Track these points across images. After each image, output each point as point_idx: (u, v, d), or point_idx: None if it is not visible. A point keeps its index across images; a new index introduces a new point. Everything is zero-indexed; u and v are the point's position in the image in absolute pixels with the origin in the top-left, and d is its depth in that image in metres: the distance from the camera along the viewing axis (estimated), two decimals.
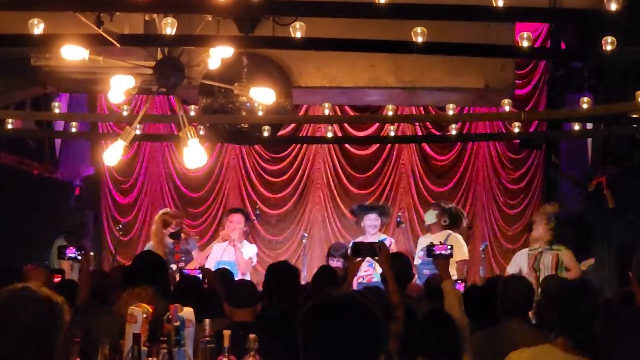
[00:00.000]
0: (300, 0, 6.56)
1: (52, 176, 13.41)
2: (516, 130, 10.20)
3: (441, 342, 5.43)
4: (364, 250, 6.93)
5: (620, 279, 10.73)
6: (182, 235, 10.70)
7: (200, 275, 8.65)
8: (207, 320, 5.15)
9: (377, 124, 13.88)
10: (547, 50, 11.17)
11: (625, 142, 11.89)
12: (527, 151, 13.71)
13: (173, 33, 6.74)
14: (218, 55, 7.11)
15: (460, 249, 10.43)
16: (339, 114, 13.33)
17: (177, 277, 9.25)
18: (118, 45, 6.80)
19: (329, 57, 10.66)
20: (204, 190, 14.43)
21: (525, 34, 6.95)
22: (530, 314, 6.81)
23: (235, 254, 10.50)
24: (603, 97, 11.27)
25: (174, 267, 9.84)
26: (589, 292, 5.06)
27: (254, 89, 7.45)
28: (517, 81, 11.81)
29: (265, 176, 14.48)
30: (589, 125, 11.22)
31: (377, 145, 14.44)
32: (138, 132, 9.12)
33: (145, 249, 11.03)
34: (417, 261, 10.58)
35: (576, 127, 10.34)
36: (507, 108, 9.62)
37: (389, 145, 14.26)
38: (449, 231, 10.71)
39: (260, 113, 9.74)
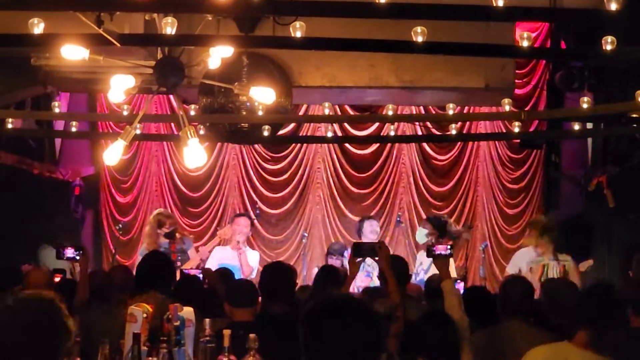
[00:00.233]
0: (300, 0, 6.56)
1: (52, 176, 13.41)
2: (516, 129, 10.20)
3: (441, 343, 5.43)
4: (364, 250, 6.94)
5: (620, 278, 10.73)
6: (177, 235, 10.71)
7: (201, 275, 8.65)
8: (207, 320, 5.15)
9: (377, 124, 13.89)
10: (547, 50, 11.16)
11: (625, 142, 11.88)
12: (527, 151, 13.70)
13: (173, 33, 6.74)
14: (218, 54, 7.10)
15: (452, 267, 10.41)
16: (339, 113, 13.33)
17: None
18: (118, 44, 6.80)
19: (329, 56, 10.67)
20: (204, 189, 14.42)
21: (525, 34, 6.95)
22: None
23: (239, 258, 10.49)
24: (603, 96, 11.26)
25: None
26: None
27: (254, 88, 7.45)
28: (517, 81, 11.80)
29: (265, 176, 14.48)
30: (589, 125, 11.21)
31: (377, 144, 14.44)
32: (138, 131, 9.10)
33: (140, 251, 11.04)
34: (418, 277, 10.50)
35: (576, 126, 10.33)
36: (507, 108, 9.61)
37: (389, 145, 14.26)
38: None
39: (260, 112, 9.73)
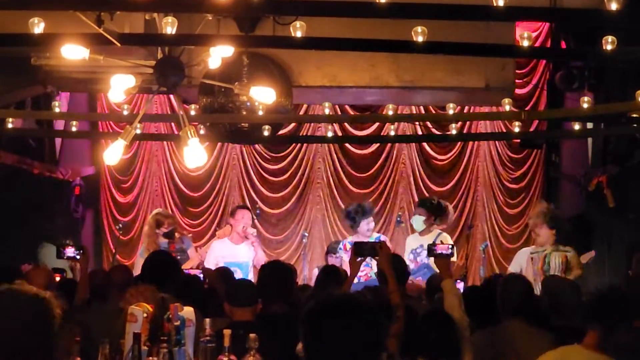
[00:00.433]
0: (301, 0, 6.57)
1: (52, 175, 13.41)
2: (516, 129, 10.20)
3: (441, 342, 5.43)
4: (365, 250, 6.93)
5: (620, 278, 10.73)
6: (176, 234, 10.71)
7: (201, 275, 8.65)
8: (208, 320, 5.15)
9: (378, 124, 13.88)
10: (548, 49, 11.16)
11: (625, 142, 11.88)
12: (528, 151, 13.70)
13: (173, 32, 6.75)
14: (218, 54, 7.11)
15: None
16: (339, 113, 13.34)
17: None
18: (118, 44, 6.80)
19: (329, 56, 10.66)
20: (204, 189, 14.42)
21: (525, 34, 6.96)
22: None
23: (255, 251, 10.46)
24: (603, 96, 11.26)
25: None
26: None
27: (254, 88, 7.46)
28: (517, 80, 11.81)
29: (266, 175, 14.48)
30: (589, 125, 11.22)
31: (377, 144, 14.43)
32: (138, 131, 9.11)
33: (139, 251, 11.03)
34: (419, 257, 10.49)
35: (576, 126, 10.33)
36: (507, 107, 9.62)
37: (389, 145, 14.25)
38: (439, 231, 10.64)
39: (260, 112, 9.74)
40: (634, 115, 9.55)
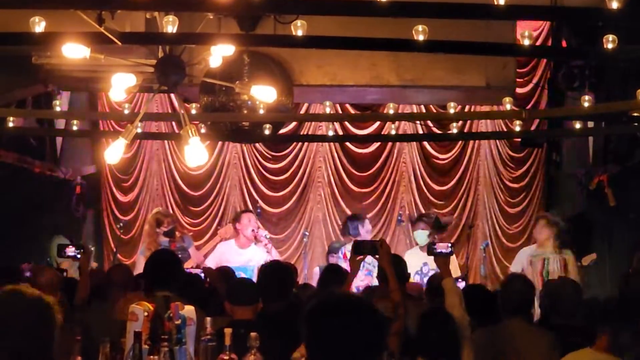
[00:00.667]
0: None
1: (53, 174, 13.41)
2: (517, 128, 10.20)
3: (441, 342, 5.43)
4: (365, 248, 6.94)
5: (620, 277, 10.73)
6: (177, 233, 10.71)
7: (202, 274, 8.65)
8: (208, 319, 5.15)
9: (378, 123, 13.87)
10: (548, 48, 11.15)
11: (626, 141, 11.87)
12: (528, 150, 13.69)
13: (174, 31, 6.74)
14: (219, 53, 7.11)
15: (455, 268, 10.42)
16: (340, 112, 13.33)
17: None
18: (119, 43, 6.80)
19: (330, 55, 10.67)
20: (205, 188, 14.42)
21: (526, 32, 6.96)
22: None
23: (270, 253, 10.48)
24: (604, 95, 11.25)
25: None
26: None
27: (255, 87, 7.46)
28: (518, 79, 11.79)
29: (266, 174, 14.47)
30: (590, 124, 11.21)
31: (378, 143, 14.42)
32: (139, 130, 9.11)
33: (140, 250, 11.04)
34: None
35: (577, 125, 10.32)
36: (508, 106, 9.61)
37: (390, 144, 14.24)
38: None
39: (261, 111, 9.73)
40: (635, 114, 9.53)
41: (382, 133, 13.58)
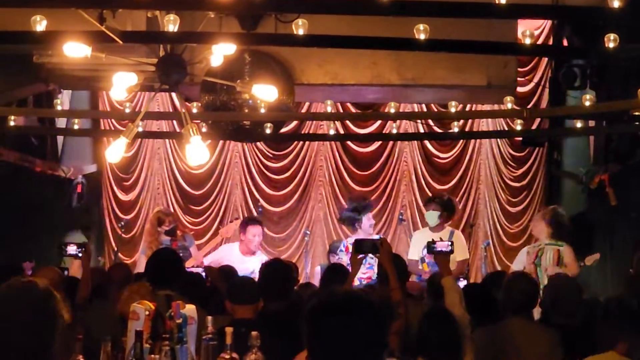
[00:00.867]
0: None
1: (54, 173, 13.41)
2: (518, 127, 10.20)
3: (442, 341, 5.43)
4: (366, 247, 6.94)
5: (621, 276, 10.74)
6: (178, 232, 10.72)
7: (203, 273, 8.66)
8: (210, 318, 5.15)
9: (379, 122, 13.88)
10: (550, 47, 11.16)
11: (627, 140, 11.87)
12: (530, 149, 13.69)
13: (175, 30, 6.74)
14: (220, 52, 7.11)
15: (462, 248, 10.42)
16: (341, 111, 13.33)
17: None
18: (120, 42, 6.80)
19: (331, 54, 10.65)
20: (206, 187, 14.42)
21: (527, 31, 6.95)
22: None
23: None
24: (605, 94, 11.25)
25: None
26: None
27: (256, 86, 7.46)
28: (519, 78, 11.79)
29: (268, 173, 14.48)
30: (591, 123, 11.21)
31: (379, 142, 14.43)
32: (140, 129, 9.12)
33: (141, 249, 11.04)
34: (414, 256, 10.46)
35: (578, 124, 10.32)
36: (509, 105, 9.60)
37: (391, 143, 14.25)
38: (451, 229, 10.69)
39: (262, 110, 9.73)
40: (636, 113, 9.53)
41: (383, 132, 13.61)
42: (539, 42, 11.44)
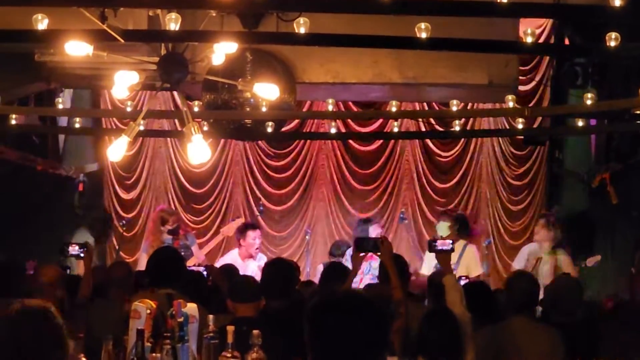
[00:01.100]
0: None
1: (55, 172, 13.41)
2: (520, 126, 10.19)
3: (443, 341, 5.43)
4: (367, 245, 6.95)
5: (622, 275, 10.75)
6: (180, 231, 10.72)
7: (205, 272, 8.66)
8: (211, 316, 5.16)
9: (381, 120, 13.88)
10: (551, 46, 11.15)
11: (629, 139, 11.87)
12: (531, 147, 13.69)
13: (177, 29, 6.74)
14: (222, 51, 7.11)
15: (476, 264, 10.46)
16: (343, 109, 13.32)
17: None
18: (122, 40, 6.80)
19: (333, 53, 10.66)
20: (207, 186, 14.42)
21: (529, 30, 6.95)
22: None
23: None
24: (607, 93, 11.24)
25: None
26: None
27: (257, 84, 7.46)
28: (520, 77, 11.78)
29: (269, 172, 14.48)
30: (593, 122, 11.21)
31: (381, 141, 14.43)
32: (142, 127, 9.12)
33: (143, 248, 11.05)
34: (426, 272, 10.44)
35: (580, 123, 10.32)
36: (510, 104, 9.60)
37: (392, 141, 14.24)
38: (465, 242, 10.71)
39: (264, 109, 9.73)
40: (637, 112, 9.53)
41: (385, 131, 13.60)
42: (541, 40, 11.42)
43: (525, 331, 6.19)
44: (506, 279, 6.70)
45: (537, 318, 7.05)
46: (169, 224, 10.51)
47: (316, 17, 7.00)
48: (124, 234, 13.25)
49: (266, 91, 7.44)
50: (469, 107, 12.83)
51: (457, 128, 10.82)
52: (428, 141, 14.34)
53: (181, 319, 4.99)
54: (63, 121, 12.48)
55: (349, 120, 14.04)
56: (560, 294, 6.79)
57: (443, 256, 6.84)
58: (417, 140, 14.33)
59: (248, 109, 10.22)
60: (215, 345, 5.07)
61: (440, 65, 10.77)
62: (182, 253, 10.06)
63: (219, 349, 5.02)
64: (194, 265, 9.69)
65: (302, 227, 14.16)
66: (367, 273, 9.95)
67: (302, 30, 6.70)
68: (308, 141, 14.48)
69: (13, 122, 10.16)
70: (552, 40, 11.61)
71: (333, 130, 11.04)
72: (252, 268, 10.45)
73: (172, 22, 6.72)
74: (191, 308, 5.18)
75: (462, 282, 8.15)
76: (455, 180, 14.29)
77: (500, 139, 14.20)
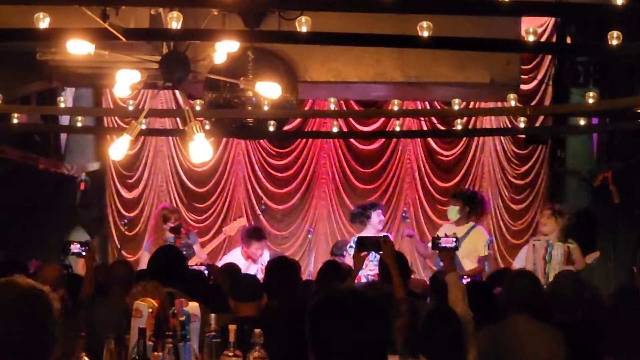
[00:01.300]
0: None
1: (57, 171, 13.41)
2: (522, 125, 10.19)
3: (444, 340, 5.43)
4: (369, 244, 6.94)
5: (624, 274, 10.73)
6: (182, 230, 10.72)
7: (206, 271, 8.66)
8: (213, 315, 5.15)
9: (383, 119, 13.89)
10: (553, 44, 11.15)
11: (630, 137, 11.86)
12: (533, 146, 13.68)
13: (179, 27, 6.73)
14: (224, 49, 7.11)
15: (483, 246, 10.43)
16: (345, 108, 13.32)
17: None
18: (124, 39, 6.79)
19: (335, 51, 10.66)
20: (209, 185, 14.43)
21: (530, 29, 6.95)
22: None
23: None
24: (608, 92, 11.24)
25: None
26: None
27: (259, 83, 7.46)
28: (522, 76, 11.78)
29: (271, 171, 14.48)
30: (595, 121, 11.21)
31: (383, 140, 14.44)
32: (143, 126, 9.12)
33: (144, 246, 11.05)
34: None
35: (581, 122, 10.31)
36: (512, 103, 9.60)
37: (394, 140, 14.26)
38: (473, 224, 10.68)
39: (265, 108, 9.72)
40: (639, 111, 9.53)
41: (387, 130, 13.60)
42: (542, 39, 11.43)
43: (527, 330, 6.18)
44: (507, 278, 6.68)
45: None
46: (171, 222, 10.51)
47: (318, 16, 6.99)
48: (126, 232, 13.24)
49: (268, 90, 7.44)
50: (470, 106, 12.86)
51: (459, 127, 10.81)
52: (430, 140, 14.34)
53: (183, 318, 4.98)
54: (65, 120, 12.48)
55: (351, 119, 14.04)
56: (560, 291, 6.78)
57: (446, 254, 6.83)
58: (418, 139, 14.34)
59: (250, 108, 10.21)
60: (217, 344, 5.06)
61: (442, 64, 10.77)
62: (184, 252, 10.09)
63: (221, 348, 5.02)
64: (196, 265, 9.69)
65: (304, 226, 14.17)
66: (373, 259, 9.89)
67: (304, 29, 6.70)
68: (310, 140, 14.49)
69: (15, 121, 10.16)
70: (554, 39, 11.62)
71: (335, 129, 11.04)
72: (255, 267, 10.45)
73: (174, 21, 6.72)
74: (193, 307, 5.18)
75: (464, 281, 8.13)
76: (457, 179, 14.29)
77: (502, 137, 14.20)
